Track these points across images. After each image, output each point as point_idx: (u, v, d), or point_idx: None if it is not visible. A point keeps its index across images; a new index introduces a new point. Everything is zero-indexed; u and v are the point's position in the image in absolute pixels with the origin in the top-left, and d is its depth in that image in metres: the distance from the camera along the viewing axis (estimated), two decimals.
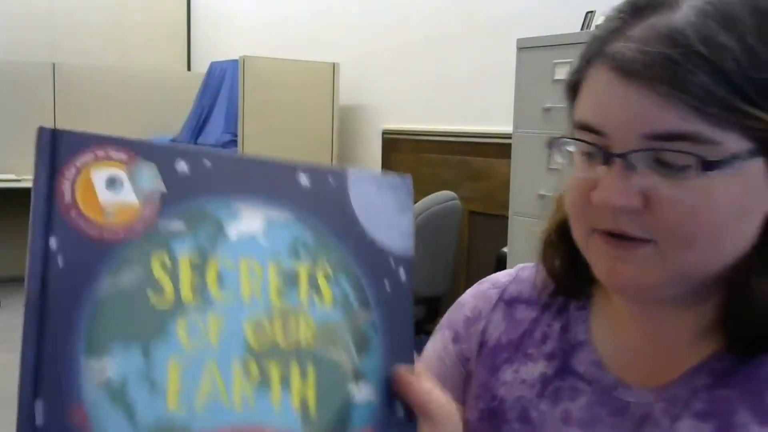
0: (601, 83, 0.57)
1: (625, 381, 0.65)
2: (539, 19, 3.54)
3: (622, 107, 0.55)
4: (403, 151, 4.53)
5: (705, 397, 0.60)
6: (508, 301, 0.74)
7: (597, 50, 0.59)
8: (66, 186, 0.42)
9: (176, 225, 0.44)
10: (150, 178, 0.44)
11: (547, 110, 2.76)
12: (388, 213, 0.51)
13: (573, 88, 0.62)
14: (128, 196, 0.43)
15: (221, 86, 5.18)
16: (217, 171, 0.46)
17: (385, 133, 4.67)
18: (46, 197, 0.42)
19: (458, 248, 3.42)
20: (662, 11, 0.55)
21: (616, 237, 0.57)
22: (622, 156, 0.55)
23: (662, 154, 0.54)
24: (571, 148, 0.61)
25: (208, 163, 0.46)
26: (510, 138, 2.97)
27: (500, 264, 3.01)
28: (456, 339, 0.76)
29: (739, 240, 0.57)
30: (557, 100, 2.73)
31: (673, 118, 0.53)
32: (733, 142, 0.53)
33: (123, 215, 0.43)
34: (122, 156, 0.44)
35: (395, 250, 0.51)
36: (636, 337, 0.65)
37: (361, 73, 4.88)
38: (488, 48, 3.91)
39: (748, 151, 0.54)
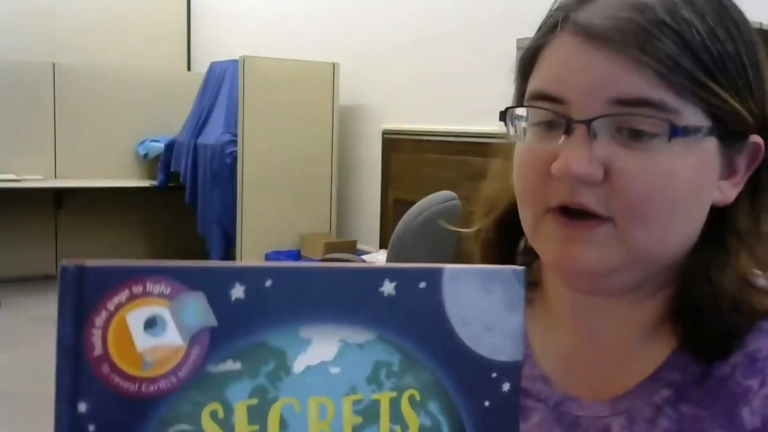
0: (563, 50, 0.56)
1: (573, 394, 0.62)
2: (539, 19, 3.54)
3: (588, 72, 0.54)
4: (403, 151, 4.53)
5: (672, 415, 0.58)
6: None
7: (557, 21, 0.57)
8: (96, 336, 0.36)
9: (230, 365, 0.37)
10: (198, 311, 0.37)
11: None
12: (492, 314, 0.43)
13: (528, 62, 0.60)
14: (172, 337, 0.36)
15: (221, 86, 5.18)
16: (280, 290, 0.38)
17: (385, 133, 4.67)
18: (73, 351, 0.36)
19: (458, 248, 3.41)
20: None
21: (572, 216, 0.55)
22: (587, 122, 0.53)
23: (626, 119, 0.53)
24: (522, 123, 0.59)
25: (268, 282, 0.38)
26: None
27: None
28: None
29: (691, 223, 0.56)
30: None
31: (641, 84, 0.52)
32: (693, 116, 0.53)
33: (166, 362, 0.36)
34: (164, 289, 0.36)
35: (500, 357, 0.43)
36: (578, 342, 0.63)
37: (361, 73, 4.88)
38: (488, 48, 3.91)
39: (707, 128, 0.54)
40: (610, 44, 0.53)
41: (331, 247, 4.44)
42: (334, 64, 4.83)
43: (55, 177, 5.75)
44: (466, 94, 4.10)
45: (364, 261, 3.31)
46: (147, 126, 5.98)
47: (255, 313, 0.37)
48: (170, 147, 5.52)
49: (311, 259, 4.52)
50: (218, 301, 0.37)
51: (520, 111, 0.60)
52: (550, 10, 0.60)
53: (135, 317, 0.36)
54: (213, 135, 5.02)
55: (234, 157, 4.72)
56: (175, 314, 0.36)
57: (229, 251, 4.91)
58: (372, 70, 4.82)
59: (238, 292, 0.37)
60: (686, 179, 0.54)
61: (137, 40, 6.63)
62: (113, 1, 6.50)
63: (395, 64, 4.62)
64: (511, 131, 0.60)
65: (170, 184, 5.60)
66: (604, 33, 0.53)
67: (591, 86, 0.54)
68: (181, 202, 5.26)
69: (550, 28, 0.58)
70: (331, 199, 4.95)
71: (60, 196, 5.76)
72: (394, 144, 4.60)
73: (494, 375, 0.43)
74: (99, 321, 0.36)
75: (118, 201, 5.94)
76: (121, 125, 5.93)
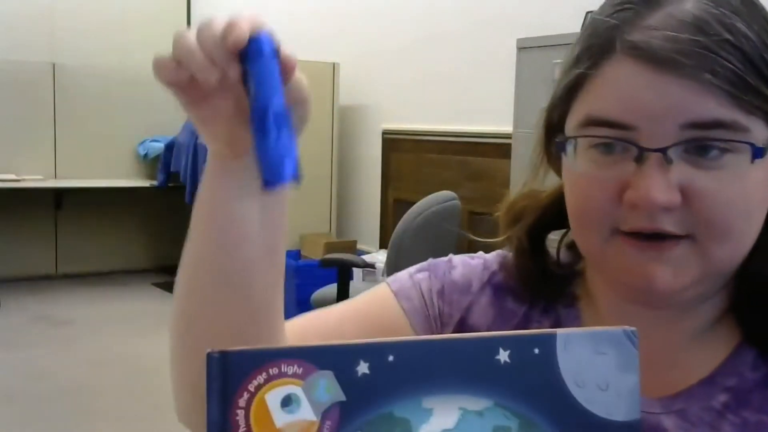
0: (623, 76, 0.54)
1: None
2: (539, 19, 3.54)
3: (658, 98, 0.52)
4: (403, 151, 4.53)
5: (735, 420, 0.58)
6: (496, 287, 0.70)
7: (610, 43, 0.55)
8: (240, 416, 0.39)
9: None
10: (328, 388, 0.40)
11: None
12: (606, 374, 0.44)
13: (574, 85, 0.58)
14: (305, 413, 0.40)
15: None
16: (402, 364, 0.41)
17: (385, 133, 4.67)
18: (220, 430, 0.39)
19: (458, 248, 3.42)
20: (672, 1, 0.54)
21: (648, 237, 0.54)
22: (662, 150, 0.53)
23: (700, 143, 0.53)
24: (569, 147, 0.58)
25: (390, 357, 0.41)
26: (510, 138, 2.97)
27: None
28: (441, 294, 0.71)
29: (758, 229, 0.57)
30: None
31: (714, 106, 0.52)
32: (759, 130, 0.53)
33: None
34: (297, 370, 0.40)
35: (616, 417, 0.43)
36: None
37: (361, 73, 4.88)
38: (488, 48, 3.91)
39: None
40: (679, 69, 0.52)
41: (331, 247, 4.44)
42: (334, 64, 4.83)
43: (55, 177, 5.75)
44: (467, 94, 4.10)
45: (364, 261, 3.31)
46: (147, 126, 5.98)
47: (380, 386, 0.41)
48: (170, 147, 5.52)
49: (311, 260, 4.52)
50: (346, 377, 0.40)
51: (568, 131, 0.58)
52: (594, 30, 0.58)
53: (273, 396, 0.40)
54: None
55: None
56: (308, 392, 0.40)
57: None
58: (372, 70, 4.82)
59: (363, 368, 0.41)
60: (759, 191, 0.55)
61: (137, 40, 6.62)
62: (113, 1, 6.50)
63: (395, 64, 4.61)
64: (568, 159, 0.59)
65: (170, 184, 5.60)
66: (670, 57, 0.52)
67: (662, 112, 0.52)
68: (181, 202, 5.26)
69: (600, 50, 0.56)
70: (331, 199, 4.95)
71: (60, 196, 5.75)
72: (394, 144, 4.60)
73: None
74: (242, 402, 0.39)
75: (118, 201, 5.94)
76: (121, 125, 5.93)
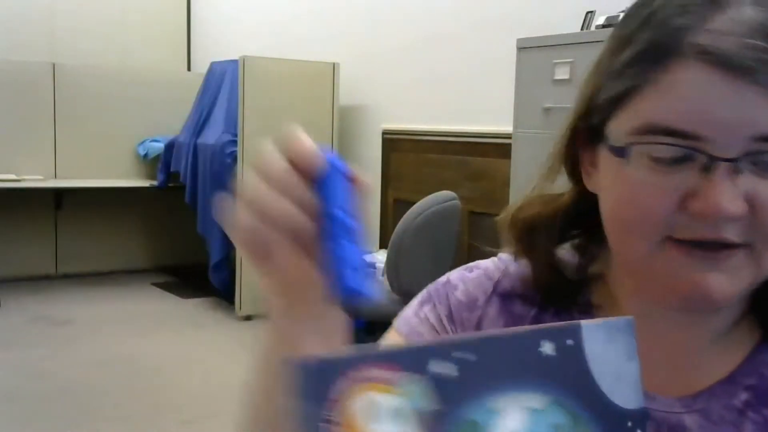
0: (694, 82, 0.51)
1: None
2: (539, 19, 3.54)
3: (730, 108, 0.50)
4: (403, 151, 4.53)
5: (757, 419, 0.58)
6: (502, 295, 0.70)
7: (675, 45, 0.52)
8: (333, 422, 0.39)
9: None
10: (417, 392, 0.39)
11: (547, 110, 2.76)
12: (618, 364, 0.44)
13: (632, 85, 0.55)
14: (399, 422, 0.39)
15: (221, 86, 5.18)
16: (479, 365, 0.41)
17: (385, 133, 4.67)
18: None
19: (458, 248, 3.42)
20: (732, 4, 0.52)
21: (703, 245, 0.53)
22: (734, 161, 0.51)
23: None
24: (635, 153, 0.55)
25: (472, 356, 0.41)
26: (510, 138, 2.97)
27: None
28: (450, 318, 0.70)
29: None
30: (557, 100, 2.73)
31: None
32: None
33: None
34: (388, 375, 0.39)
35: (629, 405, 0.44)
36: (651, 345, 0.62)
37: (361, 73, 4.88)
38: (488, 48, 3.91)
39: None
40: (753, 76, 0.50)
41: None
42: (334, 64, 4.83)
43: (55, 177, 5.75)
44: (466, 94, 4.09)
45: None
46: (147, 126, 5.98)
47: (468, 388, 0.40)
48: (170, 147, 5.52)
49: None
50: (433, 381, 0.40)
51: (617, 137, 0.56)
52: (652, 31, 0.55)
53: (363, 401, 0.39)
54: (213, 135, 5.02)
55: (234, 157, 4.72)
56: (400, 398, 0.39)
57: (229, 251, 4.90)
58: (372, 70, 4.82)
59: (452, 370, 0.40)
60: None
61: (137, 40, 6.63)
62: (113, 1, 6.50)
63: (395, 64, 4.61)
64: (631, 165, 0.56)
65: (170, 184, 5.60)
66: (746, 65, 0.50)
67: (735, 123, 0.51)
68: (181, 202, 5.26)
69: (664, 52, 0.53)
70: None
71: (60, 196, 5.75)
72: (394, 144, 4.60)
73: (630, 424, 0.44)
74: (333, 408, 0.39)
75: (118, 201, 5.94)
76: (121, 125, 5.93)
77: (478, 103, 4.01)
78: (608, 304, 0.66)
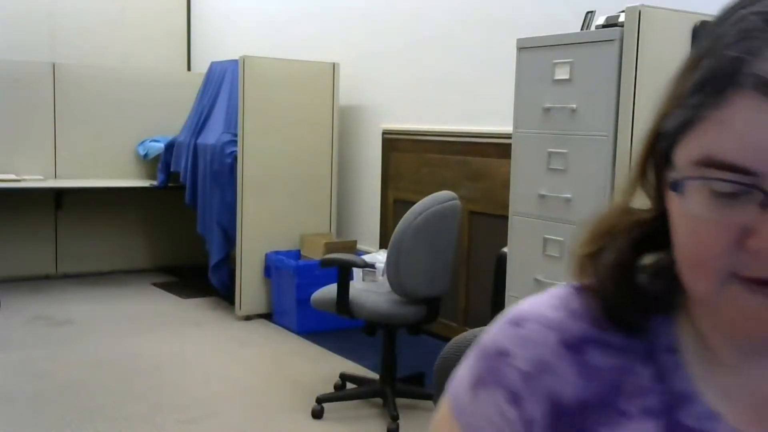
0: (753, 115, 0.50)
1: (747, 431, 0.59)
2: (539, 19, 3.54)
3: None
4: (403, 151, 4.53)
5: None
6: (572, 346, 0.62)
7: (735, 74, 0.51)
8: None
9: None
10: None
11: (547, 110, 2.76)
12: None
13: (691, 116, 0.53)
14: None
15: (221, 86, 5.17)
16: None
17: (385, 133, 4.67)
18: None
19: (458, 248, 3.42)
20: None
21: None
22: None
23: None
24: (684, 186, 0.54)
25: None
26: (510, 138, 2.97)
27: (500, 264, 3.01)
28: (516, 400, 0.61)
29: None
30: (557, 100, 2.73)
31: None
32: None
33: None
34: None
35: None
36: (751, 382, 0.60)
37: (361, 73, 4.88)
38: (488, 48, 3.91)
39: None
40: None
41: (331, 247, 4.44)
42: (334, 64, 4.83)
43: (55, 177, 5.74)
44: (466, 94, 4.10)
45: (364, 261, 3.31)
46: (147, 126, 5.98)
47: None
48: (170, 147, 5.52)
49: (311, 260, 4.52)
50: None
51: (680, 166, 0.55)
52: (712, 56, 0.53)
53: None
54: (213, 135, 5.02)
55: (234, 157, 4.72)
56: None
57: (229, 251, 4.91)
58: (372, 70, 4.82)
59: None
60: None
61: (137, 40, 6.62)
62: (113, 1, 6.50)
63: (395, 64, 4.61)
64: (685, 203, 0.54)
65: (170, 184, 5.60)
66: None
67: None
68: (181, 202, 5.26)
69: (724, 81, 0.51)
70: (331, 199, 4.95)
71: (60, 196, 5.75)
72: (394, 144, 4.60)
73: None
74: None
75: (118, 201, 5.94)
76: (121, 125, 5.93)
77: (478, 103, 4.01)
78: (698, 345, 0.62)
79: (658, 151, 0.58)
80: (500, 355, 0.62)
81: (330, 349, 4.17)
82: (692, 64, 0.55)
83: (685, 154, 0.54)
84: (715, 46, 0.53)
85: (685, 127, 0.54)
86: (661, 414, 0.59)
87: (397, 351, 3.33)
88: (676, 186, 0.54)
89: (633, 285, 0.62)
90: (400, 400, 3.25)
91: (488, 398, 0.62)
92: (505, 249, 2.99)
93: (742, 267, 0.52)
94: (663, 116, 0.57)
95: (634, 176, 0.61)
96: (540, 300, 0.65)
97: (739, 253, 0.52)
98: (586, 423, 0.60)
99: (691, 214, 0.54)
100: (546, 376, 0.61)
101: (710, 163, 0.52)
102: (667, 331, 0.62)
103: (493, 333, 0.64)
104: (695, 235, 0.54)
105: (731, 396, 0.60)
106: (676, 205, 0.56)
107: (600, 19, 2.70)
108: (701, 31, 0.55)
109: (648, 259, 0.64)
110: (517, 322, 0.63)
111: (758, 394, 0.59)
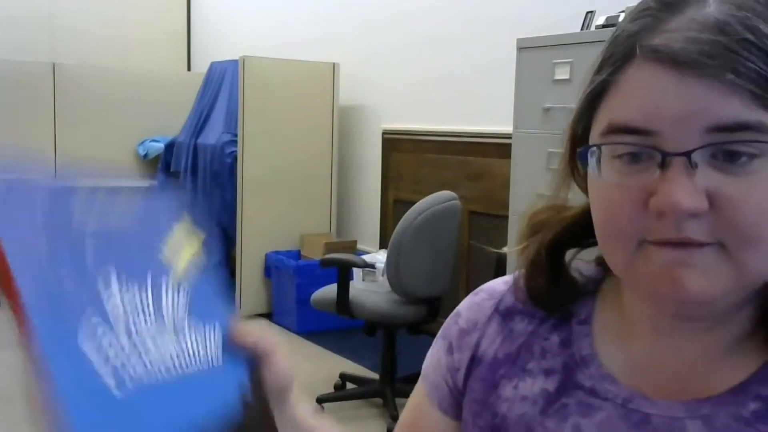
0: (645, 80, 0.53)
1: (643, 393, 0.61)
2: (539, 19, 3.54)
3: (681, 101, 0.51)
4: (403, 151, 4.53)
5: (765, 430, 0.56)
6: (503, 313, 0.72)
7: (630, 49, 0.54)
8: None
9: None
10: None
11: (547, 110, 2.76)
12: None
13: (596, 95, 0.57)
14: None
15: (221, 86, 5.18)
16: None
17: (385, 133, 4.67)
18: None
19: (458, 248, 3.42)
20: (692, 5, 0.53)
21: (675, 246, 0.53)
22: (686, 154, 0.51)
23: (727, 147, 0.51)
24: (592, 158, 0.57)
25: None
26: (510, 138, 2.97)
27: (500, 264, 3.01)
28: (449, 350, 0.74)
29: None
30: (557, 100, 2.73)
31: (739, 108, 0.50)
32: None
33: None
34: None
35: None
36: (656, 354, 0.62)
37: (361, 73, 4.88)
38: (488, 48, 3.91)
39: None
40: (701, 70, 0.50)
41: (331, 247, 4.44)
42: (334, 64, 4.83)
43: (55, 177, 5.74)
44: (466, 94, 4.10)
45: (364, 261, 3.31)
46: (147, 126, 5.98)
47: None
48: (170, 147, 5.52)
49: (311, 260, 4.52)
50: None
51: (594, 145, 0.57)
52: (615, 39, 0.57)
53: None
54: (213, 135, 5.02)
55: (234, 157, 4.72)
56: None
57: (229, 251, 4.91)
58: (372, 70, 4.82)
59: None
60: None
61: (137, 40, 6.63)
62: (113, 1, 6.50)
63: (395, 64, 4.62)
64: (591, 170, 0.57)
65: (170, 184, 5.60)
66: (692, 59, 0.51)
67: (685, 116, 0.51)
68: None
69: (621, 57, 0.55)
70: (331, 199, 4.95)
71: None
72: (394, 144, 4.60)
73: None
74: None
75: None
76: (121, 125, 5.93)
77: (478, 103, 4.01)
78: (614, 319, 0.66)
79: (578, 137, 0.61)
80: (455, 315, 0.76)
81: (330, 349, 4.17)
82: (599, 55, 0.59)
83: (595, 129, 0.57)
84: (616, 31, 0.57)
85: (592, 106, 0.57)
86: (560, 374, 0.66)
87: (397, 351, 3.33)
88: (583, 156, 0.57)
89: (554, 277, 0.67)
90: (400, 400, 3.25)
91: (437, 348, 0.76)
92: (505, 249, 3.00)
93: (648, 232, 0.54)
94: (578, 102, 0.60)
95: (562, 169, 0.65)
96: (501, 278, 0.75)
97: (646, 217, 0.53)
98: (494, 376, 0.69)
99: (603, 183, 0.56)
100: (475, 333, 0.72)
101: (611, 130, 0.55)
102: (586, 308, 0.68)
103: (462, 301, 0.76)
104: (607, 204, 0.56)
105: (631, 364, 0.63)
106: (591, 181, 0.59)
107: (600, 19, 2.70)
108: None
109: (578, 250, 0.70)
110: (476, 292, 0.76)
111: (656, 366, 0.62)
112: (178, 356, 0.51)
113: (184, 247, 0.56)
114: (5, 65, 5.53)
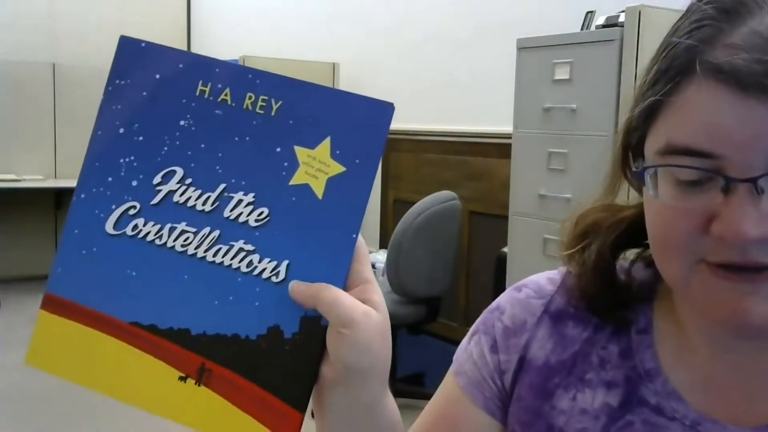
0: (706, 100, 0.50)
1: (711, 416, 0.59)
2: (539, 19, 3.54)
3: (746, 125, 0.49)
4: (403, 151, 4.53)
5: None
6: (554, 316, 0.68)
7: (689, 64, 0.51)
8: None
9: None
10: None
11: (547, 110, 2.76)
12: None
13: (652, 109, 0.55)
14: None
15: None
16: None
17: None
18: None
19: (458, 248, 3.42)
20: (754, 12, 0.51)
21: (739, 269, 0.51)
22: (753, 180, 0.49)
23: None
24: (652, 176, 0.55)
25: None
26: (510, 138, 2.97)
27: (500, 264, 3.01)
28: (494, 349, 0.69)
29: None
30: (557, 100, 2.73)
31: None
32: None
33: None
34: None
35: None
36: (720, 371, 0.60)
37: (361, 73, 4.88)
38: (488, 48, 3.91)
39: None
40: (766, 93, 0.48)
41: None
42: (334, 64, 4.83)
43: (55, 177, 5.75)
44: (467, 94, 4.10)
45: None
46: None
47: None
48: None
49: None
50: None
51: (650, 164, 0.55)
52: (671, 49, 0.54)
53: None
54: None
55: None
56: None
57: None
58: (372, 70, 4.82)
59: None
60: None
61: None
62: (113, 1, 6.50)
63: (395, 64, 4.62)
64: (648, 187, 0.55)
65: None
66: (756, 81, 0.48)
67: (751, 140, 0.49)
68: None
69: (680, 71, 0.52)
70: None
71: (60, 196, 5.75)
72: (394, 144, 4.60)
73: None
74: None
75: None
76: None
77: (478, 103, 4.01)
78: (673, 329, 0.63)
79: (632, 146, 0.59)
80: (495, 310, 0.72)
81: None
82: (654, 58, 0.57)
83: (652, 145, 0.55)
84: (671, 38, 0.55)
85: (648, 119, 0.55)
86: (622, 387, 0.62)
87: (397, 351, 3.33)
88: (640, 177, 0.55)
89: (612, 281, 0.65)
90: (400, 400, 3.25)
91: (477, 342, 0.71)
92: (505, 249, 3.00)
93: (708, 253, 0.52)
94: (632, 111, 0.59)
95: (614, 172, 0.63)
96: (545, 273, 0.71)
97: (706, 239, 0.52)
98: (547, 384, 0.66)
99: (659, 203, 0.54)
100: (523, 335, 0.68)
101: (671, 151, 0.52)
102: (644, 316, 0.65)
103: (501, 295, 0.73)
104: (663, 223, 0.55)
105: (695, 380, 0.61)
106: (646, 195, 0.57)
107: (600, 19, 2.70)
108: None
109: (633, 252, 0.67)
110: (518, 288, 0.72)
111: (721, 384, 0.60)
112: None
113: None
114: (5, 65, 5.54)
